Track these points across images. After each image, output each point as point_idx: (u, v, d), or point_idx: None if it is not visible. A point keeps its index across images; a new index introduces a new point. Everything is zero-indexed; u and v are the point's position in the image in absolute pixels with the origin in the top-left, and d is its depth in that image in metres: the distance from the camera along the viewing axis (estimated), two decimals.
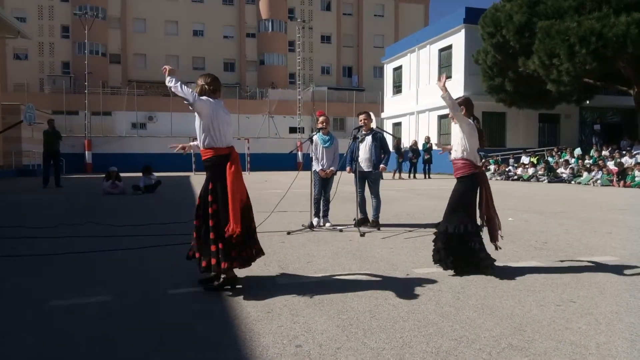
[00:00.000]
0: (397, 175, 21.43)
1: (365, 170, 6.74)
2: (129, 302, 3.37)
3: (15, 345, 2.62)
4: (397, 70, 30.92)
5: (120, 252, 5.03)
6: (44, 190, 13.68)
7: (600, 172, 16.56)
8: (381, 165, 6.73)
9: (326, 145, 6.73)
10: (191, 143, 4.18)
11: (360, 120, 6.80)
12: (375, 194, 6.77)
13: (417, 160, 21.88)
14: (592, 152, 20.50)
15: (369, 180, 6.80)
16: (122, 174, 12.87)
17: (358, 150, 6.75)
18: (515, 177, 19.91)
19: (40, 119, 24.33)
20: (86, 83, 31.64)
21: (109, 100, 37.06)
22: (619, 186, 15.29)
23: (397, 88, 31.06)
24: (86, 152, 31.15)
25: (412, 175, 21.79)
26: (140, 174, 13.05)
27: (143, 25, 46.36)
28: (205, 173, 3.74)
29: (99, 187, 12.77)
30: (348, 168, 6.90)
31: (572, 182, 17.46)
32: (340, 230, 6.39)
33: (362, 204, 6.83)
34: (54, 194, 12.47)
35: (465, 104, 4.31)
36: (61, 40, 44.46)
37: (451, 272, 4.08)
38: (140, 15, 46.21)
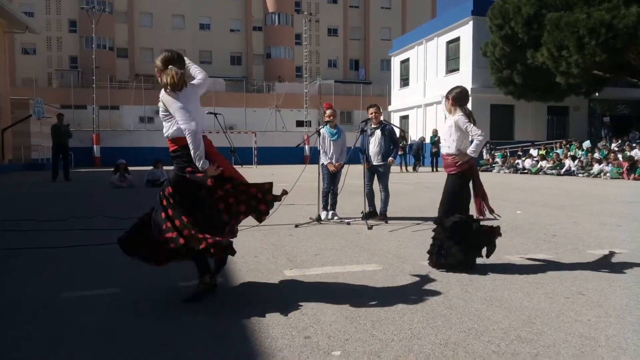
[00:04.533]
0: (403, 168, 21.39)
1: (375, 163, 6.73)
2: (139, 294, 3.40)
3: (27, 337, 2.65)
4: (405, 62, 30.74)
5: None
6: (53, 184, 13.79)
7: (609, 164, 16.42)
8: (390, 158, 6.70)
9: (334, 138, 6.71)
10: None
11: (370, 114, 6.76)
12: (385, 186, 6.75)
13: (405, 152, 21.62)
14: (601, 145, 20.33)
15: (378, 173, 6.78)
16: (130, 168, 12.94)
17: (368, 144, 6.73)
18: (525, 170, 19.80)
19: (48, 113, 24.59)
20: (94, 77, 31.80)
21: (116, 94, 37.24)
22: (629, 179, 15.16)
23: (405, 81, 30.89)
24: (94, 146, 31.36)
25: (416, 167, 21.78)
26: (151, 168, 13.12)
27: (150, 19, 46.45)
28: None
29: (108, 180, 12.85)
30: (366, 164, 6.72)
31: (580, 174, 17.33)
32: (348, 224, 6.39)
33: (370, 197, 6.83)
34: (63, 188, 12.56)
35: (454, 99, 4.14)
36: (69, 35, 44.69)
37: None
38: (147, 9, 46.29)
